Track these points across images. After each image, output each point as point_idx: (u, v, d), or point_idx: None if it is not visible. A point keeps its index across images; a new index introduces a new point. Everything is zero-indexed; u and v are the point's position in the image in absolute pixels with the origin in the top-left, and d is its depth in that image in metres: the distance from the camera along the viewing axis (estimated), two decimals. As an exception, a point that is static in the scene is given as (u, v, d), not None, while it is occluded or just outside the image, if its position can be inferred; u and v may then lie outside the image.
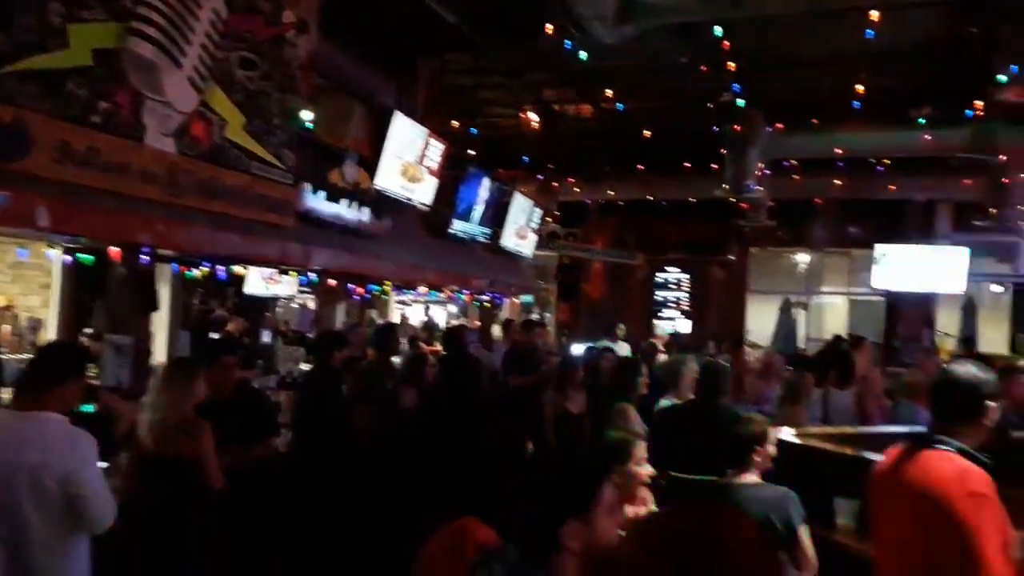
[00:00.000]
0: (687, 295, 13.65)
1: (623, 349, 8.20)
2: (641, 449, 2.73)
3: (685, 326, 13.40)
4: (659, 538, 1.12)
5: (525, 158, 11.82)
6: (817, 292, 13.62)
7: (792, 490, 3.33)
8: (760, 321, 13.22)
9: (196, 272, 5.92)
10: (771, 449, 3.32)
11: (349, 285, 7.17)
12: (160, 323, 7.47)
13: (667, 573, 0.98)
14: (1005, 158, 8.67)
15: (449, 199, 7.99)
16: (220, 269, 5.70)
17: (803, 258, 13.42)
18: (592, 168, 11.80)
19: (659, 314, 13.64)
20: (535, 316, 12.81)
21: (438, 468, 4.26)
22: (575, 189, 11.93)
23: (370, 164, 6.58)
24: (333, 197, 6.10)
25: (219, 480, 3.37)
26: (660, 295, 13.81)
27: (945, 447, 2.38)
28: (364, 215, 6.46)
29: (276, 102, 5.17)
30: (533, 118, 11.04)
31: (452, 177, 8.14)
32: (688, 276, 13.66)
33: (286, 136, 5.27)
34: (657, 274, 13.80)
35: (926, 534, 2.32)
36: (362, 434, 4.89)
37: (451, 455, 4.52)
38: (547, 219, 11.64)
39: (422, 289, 9.53)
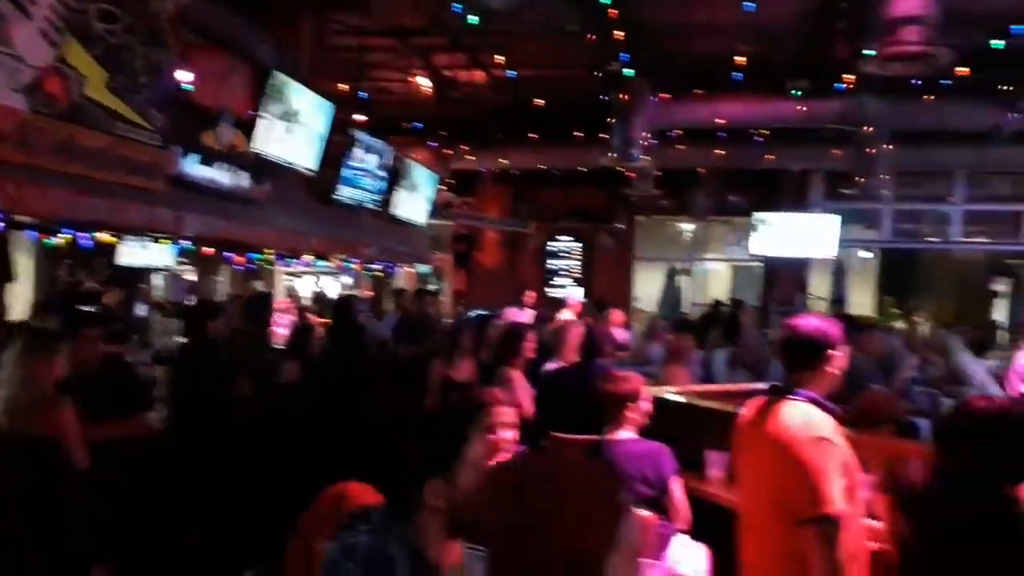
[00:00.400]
0: (578, 263, 13.88)
1: (525, 316, 8.28)
2: (504, 412, 2.77)
3: (577, 293, 13.66)
4: (505, 476, 1.13)
5: (417, 124, 11.65)
6: (701, 259, 14.14)
7: (667, 444, 3.47)
8: (647, 287, 13.64)
9: (57, 240, 5.54)
10: (645, 406, 3.43)
11: (227, 254, 6.88)
12: (20, 296, 6.98)
13: (506, 504, 0.99)
14: (871, 129, 9.19)
15: (336, 164, 7.77)
16: (83, 236, 5.35)
17: (688, 226, 13.87)
18: (485, 136, 11.76)
19: (551, 282, 13.83)
20: (432, 286, 12.77)
21: (323, 440, 4.20)
22: (469, 157, 11.87)
23: (248, 126, 6.31)
24: (207, 160, 5.82)
25: (83, 458, 3.20)
26: (553, 263, 13.99)
27: (797, 397, 2.54)
28: (242, 179, 6.20)
29: (141, 58, 4.86)
30: (424, 83, 10.88)
31: (339, 141, 7.92)
32: (580, 244, 13.89)
33: (153, 95, 4.98)
34: (549, 243, 13.97)
35: (777, 477, 2.47)
36: (242, 406, 4.76)
37: (336, 426, 4.47)
38: (441, 187, 11.55)
39: (310, 259, 9.28)
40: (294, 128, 6.86)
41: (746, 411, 2.76)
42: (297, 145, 6.96)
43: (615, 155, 8.88)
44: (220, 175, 6.00)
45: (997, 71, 8.58)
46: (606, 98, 9.14)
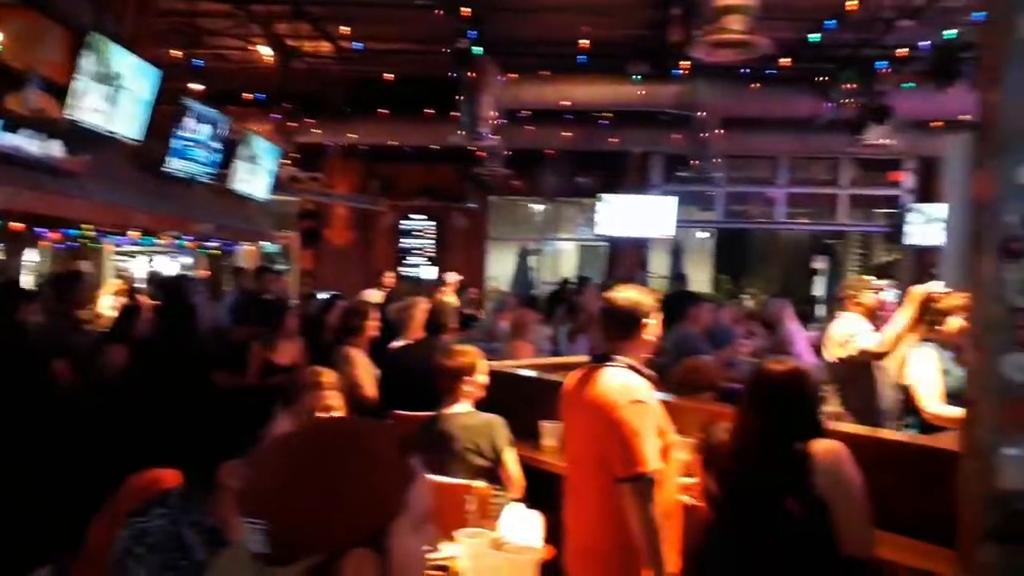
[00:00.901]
0: (432, 242, 13.82)
1: (374, 297, 8.14)
2: (328, 395, 2.72)
3: (431, 272, 13.61)
4: (283, 440, 1.09)
5: (258, 95, 11.12)
6: (551, 239, 14.47)
7: (505, 416, 3.52)
8: (500, 267, 13.81)
9: None
10: (481, 379, 3.46)
11: (39, 229, 6.30)
12: None
13: (280, 466, 0.95)
14: (704, 114, 9.71)
15: (165, 134, 7.28)
16: None
17: (539, 207, 14.14)
18: (332, 109, 11.41)
19: (405, 261, 13.69)
20: (282, 266, 12.29)
21: (138, 425, 3.95)
22: (315, 131, 11.47)
23: (62, 91, 5.78)
24: (11, 126, 5.27)
25: None
26: (406, 242, 13.84)
27: (615, 364, 2.65)
28: (54, 148, 5.67)
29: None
30: (265, 52, 10.40)
31: (169, 111, 7.42)
32: (433, 223, 13.82)
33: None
34: (402, 221, 13.80)
35: (596, 439, 2.57)
36: (58, 393, 4.39)
37: (162, 409, 4.22)
38: (285, 161, 11.11)
39: (139, 236, 8.66)
40: (115, 95, 6.35)
41: (570, 379, 2.85)
42: (119, 113, 6.44)
43: (463, 133, 8.87)
44: (27, 143, 5.45)
45: (815, 63, 9.29)
46: (455, 75, 9.10)
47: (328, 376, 2.87)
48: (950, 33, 8.02)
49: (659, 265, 13.52)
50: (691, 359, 4.13)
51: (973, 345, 2.42)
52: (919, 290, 3.93)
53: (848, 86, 8.75)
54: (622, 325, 2.70)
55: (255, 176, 9.59)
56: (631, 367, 2.64)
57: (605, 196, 12.17)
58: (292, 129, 11.14)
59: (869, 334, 4.30)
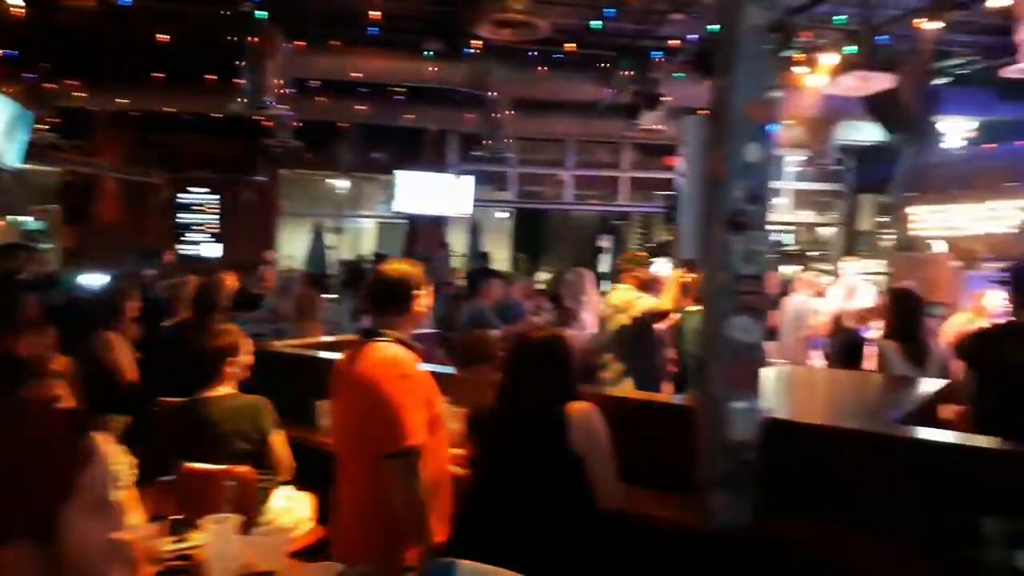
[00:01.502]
0: (215, 218, 12.98)
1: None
2: (53, 384, 2.48)
3: (215, 250, 12.81)
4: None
5: (9, 52, 9.81)
6: (350, 215, 14.13)
7: (282, 398, 3.38)
8: (293, 244, 13.29)
9: None
10: (245, 359, 3.29)
11: None
12: None
13: None
14: (496, 94, 9.87)
15: None
16: None
17: (338, 182, 13.74)
18: (97, 71, 10.32)
19: (184, 238, 12.76)
20: (45, 244, 10.99)
21: None
22: (78, 94, 10.32)
23: None
24: None
25: None
26: (185, 217, 12.90)
27: (383, 338, 2.61)
28: None
29: None
30: (15, 3, 9.18)
31: None
32: (217, 197, 12.98)
33: None
34: (180, 195, 12.84)
35: (363, 415, 2.52)
36: None
37: None
38: (41, 127, 9.93)
39: None
40: None
41: (341, 356, 2.79)
42: None
43: (246, 101, 8.37)
44: None
45: (598, 50, 9.74)
46: (236, 39, 8.56)
47: (54, 364, 2.60)
48: (713, 27, 8.71)
49: (460, 243, 13.68)
50: (472, 332, 4.20)
51: (705, 310, 2.64)
52: (676, 272, 4.32)
53: (626, 73, 9.26)
54: (391, 299, 2.67)
55: (3, 143, 8.49)
56: (400, 341, 2.61)
57: (402, 173, 12.06)
58: (50, 91, 9.96)
59: (648, 298, 4.71)
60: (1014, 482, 2.26)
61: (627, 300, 4.97)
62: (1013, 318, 3.57)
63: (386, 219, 13.67)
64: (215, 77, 9.98)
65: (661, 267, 6.66)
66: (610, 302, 5.20)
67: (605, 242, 14.63)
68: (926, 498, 2.34)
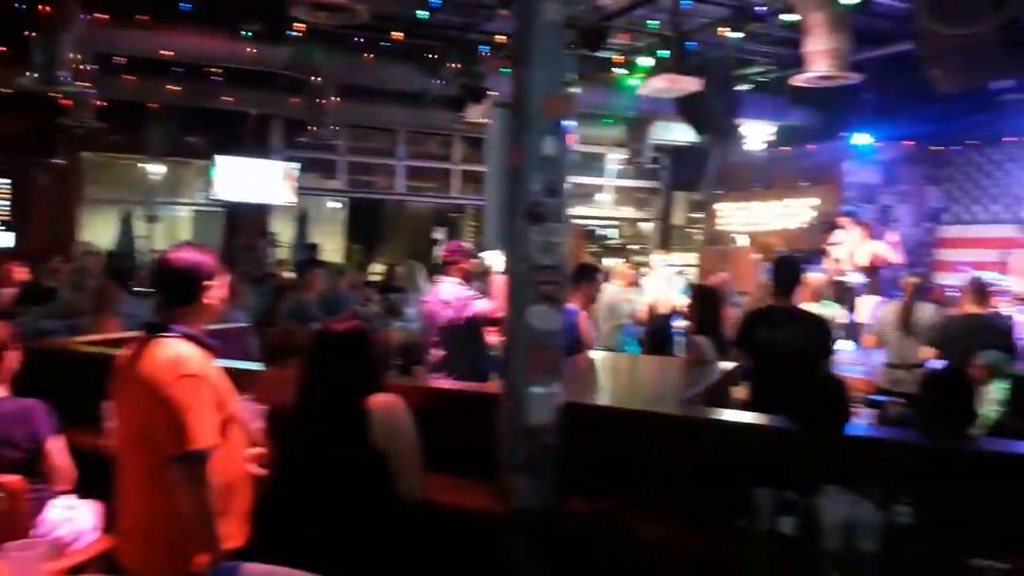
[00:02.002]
0: (6, 203, 11.70)
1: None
2: None
3: (6, 239, 11.57)
4: None
5: None
6: (164, 202, 13.20)
7: (68, 398, 3.09)
8: (99, 232, 12.25)
9: None
10: (12, 358, 2.99)
11: None
12: None
13: None
14: (320, 80, 9.58)
15: None
16: None
17: (151, 167, 12.77)
18: None
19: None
20: None
21: None
22: None
23: None
24: None
25: None
26: (-31, 203, 11.54)
27: (171, 334, 2.44)
28: None
29: None
30: None
31: None
32: (8, 181, 11.70)
33: None
34: (-37, 178, 11.46)
35: (146, 417, 2.35)
36: None
37: None
38: None
39: None
40: None
41: (123, 353, 2.58)
42: None
43: (36, 76, 7.58)
44: None
45: (427, 40, 9.69)
46: (25, 8, 7.74)
47: None
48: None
49: (284, 233, 13.17)
50: (277, 326, 4.04)
51: (506, 299, 2.69)
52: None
53: (453, 65, 9.30)
54: (180, 290, 2.49)
55: None
56: (188, 337, 2.45)
57: (221, 158, 11.42)
58: None
59: (481, 301, 4.64)
60: (779, 455, 2.48)
61: (455, 296, 4.88)
62: (774, 303, 3.94)
63: (204, 207, 12.90)
64: (5, 49, 8.98)
65: (492, 258, 6.73)
66: (438, 296, 5.16)
67: (440, 234, 14.65)
68: (708, 473, 2.52)
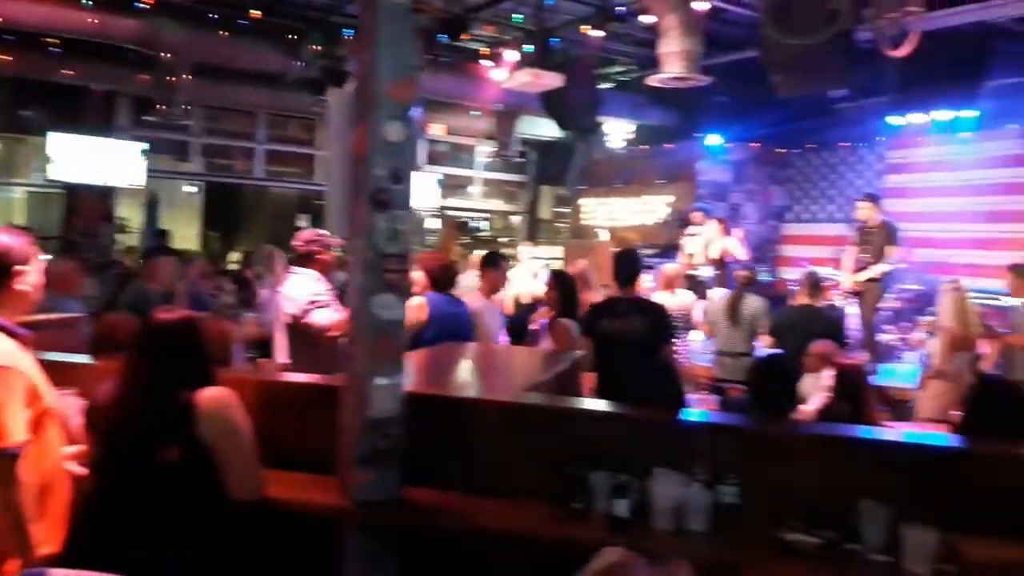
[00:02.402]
0: None
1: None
2: None
3: None
4: None
5: None
6: (-6, 182, 12.07)
7: None
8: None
9: None
10: None
11: None
12: None
13: None
14: (170, 56, 9.04)
15: None
16: None
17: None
18: None
19: None
20: None
21: None
22: None
23: None
24: None
25: None
26: None
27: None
28: None
29: None
30: None
31: None
32: None
33: None
34: None
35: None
36: None
37: None
38: None
39: None
40: None
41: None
42: None
43: None
44: None
45: (287, 19, 9.35)
46: None
47: None
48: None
49: (133, 218, 12.36)
50: (104, 319, 3.77)
51: (352, 287, 2.63)
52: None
53: (314, 48, 9.02)
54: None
55: None
56: (-2, 326, 2.23)
57: (59, 135, 10.56)
58: None
59: (322, 312, 4.32)
60: (613, 440, 2.55)
61: (303, 293, 4.53)
62: (616, 294, 4.09)
63: (40, 188, 11.89)
64: None
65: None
66: (288, 290, 4.84)
67: (303, 222, 14.19)
68: (546, 459, 2.56)
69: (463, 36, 8.09)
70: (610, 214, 12.65)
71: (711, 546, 2.33)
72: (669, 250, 10.03)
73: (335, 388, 2.68)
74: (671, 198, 11.67)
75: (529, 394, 2.92)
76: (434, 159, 13.36)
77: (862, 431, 2.85)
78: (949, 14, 6.80)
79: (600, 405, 2.70)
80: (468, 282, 7.27)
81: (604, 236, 12.27)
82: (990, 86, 7.83)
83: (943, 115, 9.05)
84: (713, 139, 11.08)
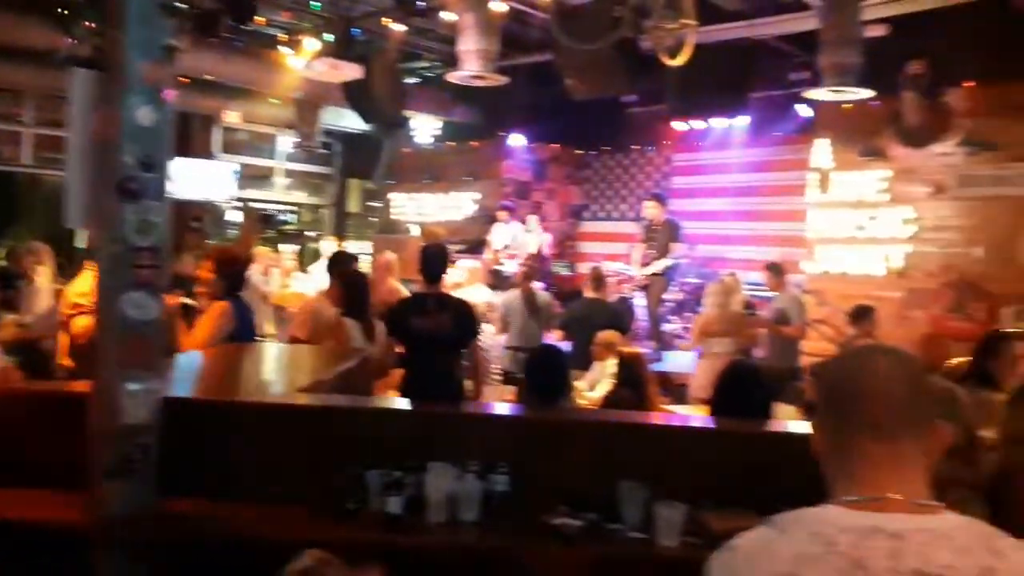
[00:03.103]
0: None
1: None
2: None
3: None
4: None
5: None
6: None
7: None
8: None
9: None
10: None
11: None
12: None
13: None
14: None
15: None
16: None
17: None
18: None
19: None
20: None
21: None
22: None
23: None
24: None
25: None
26: None
27: None
28: None
29: None
30: None
31: None
32: None
33: None
34: None
35: None
36: None
37: None
38: None
39: None
40: None
41: None
42: None
43: None
44: None
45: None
46: None
47: None
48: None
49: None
50: None
51: (98, 284, 2.41)
52: None
53: (89, 25, 8.22)
54: None
55: None
56: None
57: None
58: None
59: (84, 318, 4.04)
60: (385, 437, 2.54)
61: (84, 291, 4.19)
62: (422, 289, 4.10)
63: None
64: None
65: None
66: (72, 293, 4.40)
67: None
68: (317, 460, 2.49)
69: (257, 21, 7.70)
70: (419, 209, 12.64)
71: (481, 535, 2.37)
72: (476, 246, 10.18)
73: (81, 396, 2.45)
74: (477, 195, 11.85)
75: (297, 394, 2.82)
76: (230, 148, 12.65)
77: (621, 416, 3.03)
78: (719, 29, 7.40)
79: (373, 402, 2.67)
80: (256, 278, 7.01)
81: (415, 231, 12.24)
82: (755, 97, 8.63)
83: (719, 122, 9.86)
84: (516, 138, 11.37)
